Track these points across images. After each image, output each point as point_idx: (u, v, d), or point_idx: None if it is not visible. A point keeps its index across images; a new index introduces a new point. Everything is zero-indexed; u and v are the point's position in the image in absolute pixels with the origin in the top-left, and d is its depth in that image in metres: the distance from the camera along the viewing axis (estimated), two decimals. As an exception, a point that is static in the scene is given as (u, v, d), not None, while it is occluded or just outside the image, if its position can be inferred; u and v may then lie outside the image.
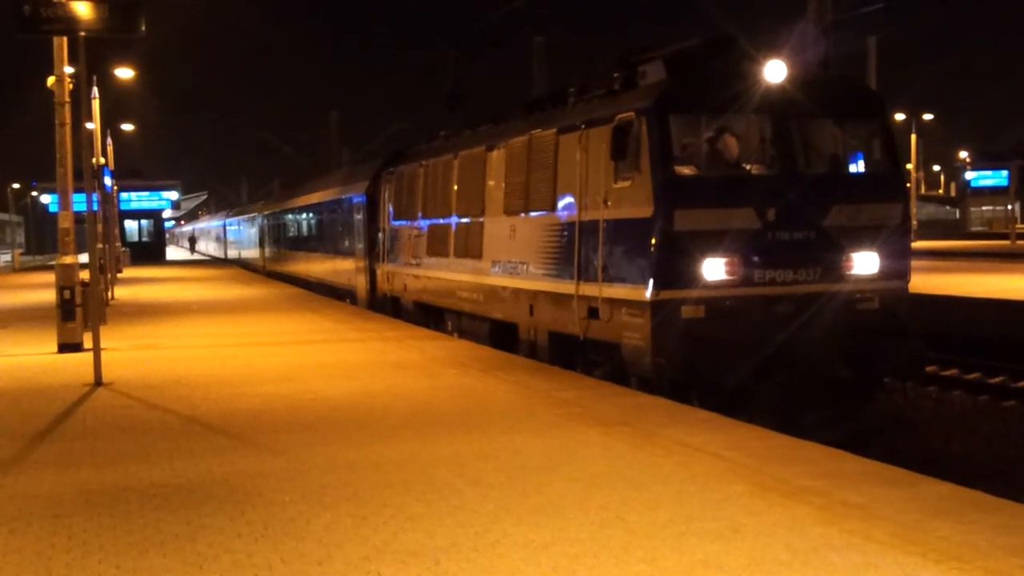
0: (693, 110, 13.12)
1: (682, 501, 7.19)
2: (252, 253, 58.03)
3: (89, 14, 13.70)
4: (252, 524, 6.86)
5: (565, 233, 14.45)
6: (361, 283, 27.74)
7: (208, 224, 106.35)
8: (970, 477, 10.20)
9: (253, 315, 23.38)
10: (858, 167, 13.98)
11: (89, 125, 19.91)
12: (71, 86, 17.32)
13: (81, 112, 15.08)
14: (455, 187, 19.51)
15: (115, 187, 41.16)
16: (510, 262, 16.48)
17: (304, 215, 39.84)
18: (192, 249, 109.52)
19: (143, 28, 14.01)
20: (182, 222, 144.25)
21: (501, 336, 17.06)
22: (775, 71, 12.86)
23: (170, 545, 6.45)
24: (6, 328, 21.25)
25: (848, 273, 12.76)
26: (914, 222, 49.72)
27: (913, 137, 69.34)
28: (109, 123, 40.60)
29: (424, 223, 21.46)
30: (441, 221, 20.28)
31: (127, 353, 16.47)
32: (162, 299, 29.75)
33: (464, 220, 18.87)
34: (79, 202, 19.09)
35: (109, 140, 40.35)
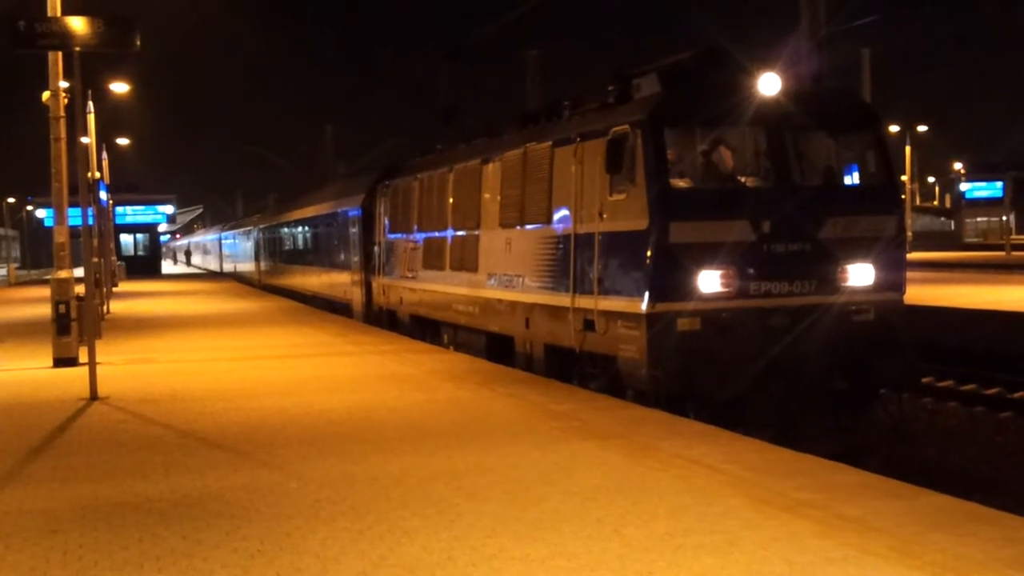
0: (688, 123, 13.16)
1: (679, 514, 7.18)
2: (248, 267, 58.01)
3: (84, 29, 13.72)
4: (248, 539, 6.84)
5: (561, 246, 14.45)
6: (357, 296, 27.74)
7: (204, 238, 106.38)
8: (967, 489, 10.22)
9: (249, 329, 23.36)
10: (853, 179, 14.01)
11: (84, 139, 19.91)
12: (66, 101, 17.32)
13: (76, 126, 15.11)
14: (451, 200, 19.52)
15: (110, 201, 41.21)
16: (506, 275, 16.49)
17: (300, 228, 39.84)
18: (188, 262, 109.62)
19: (138, 43, 14.03)
20: (178, 236, 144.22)
21: (497, 349, 17.05)
22: (769, 84, 12.88)
23: (166, 560, 6.44)
24: (1, 343, 21.22)
25: (844, 285, 12.76)
26: (909, 234, 49.81)
27: (908, 149, 69.49)
28: (104, 137, 40.67)
29: (420, 236, 21.47)
30: (437, 234, 20.28)
31: (123, 367, 16.45)
32: (158, 313, 29.72)
33: (460, 233, 18.88)
34: (74, 216, 19.12)
35: (104, 154, 40.39)
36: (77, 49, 13.85)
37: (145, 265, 68.79)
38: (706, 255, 12.21)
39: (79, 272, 20.64)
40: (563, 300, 14.23)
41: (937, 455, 13.77)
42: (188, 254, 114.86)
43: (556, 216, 14.66)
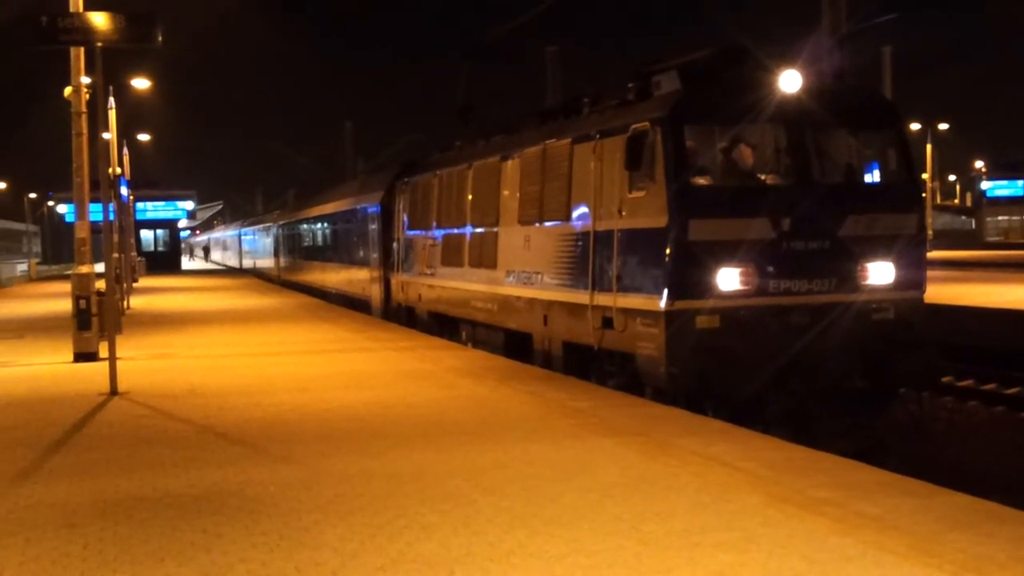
0: (707, 120, 13.12)
1: (697, 512, 7.17)
2: (267, 263, 58.20)
3: (106, 25, 13.79)
4: (267, 534, 6.87)
5: (579, 243, 14.44)
6: (375, 293, 27.79)
7: (223, 234, 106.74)
8: (987, 488, 10.15)
9: (268, 325, 23.44)
10: (873, 177, 13.95)
11: (105, 135, 19.98)
12: (88, 96, 17.40)
13: (98, 122, 15.16)
14: (469, 197, 19.53)
15: (131, 197, 41.37)
16: (524, 272, 16.48)
17: (319, 225, 39.93)
18: (206, 258, 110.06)
19: (160, 39, 14.08)
20: (197, 232, 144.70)
21: (515, 346, 17.05)
22: (790, 81, 12.84)
23: (186, 554, 6.46)
24: (23, 337, 21.35)
25: (863, 283, 12.72)
26: (929, 232, 49.59)
27: (928, 147, 69.25)
28: (125, 133, 40.86)
29: (438, 233, 21.49)
30: (455, 231, 20.30)
31: (142, 362, 16.52)
32: (177, 309, 29.84)
33: (478, 230, 18.89)
34: (95, 212, 19.16)
35: (125, 150, 40.56)
36: (99, 45, 13.92)
37: (165, 261, 69.07)
38: (725, 253, 12.19)
39: (100, 267, 20.73)
40: (582, 297, 14.23)
41: (957, 454, 13.70)
42: (206, 250, 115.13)
43: (575, 213, 14.65)
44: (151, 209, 69.68)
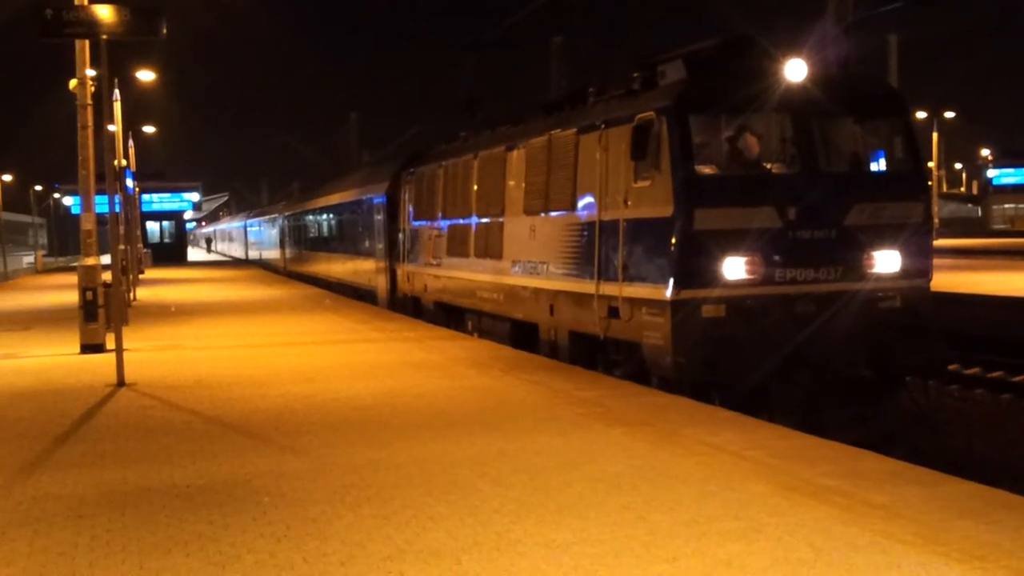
0: (713, 109, 13.10)
1: (704, 501, 7.18)
2: (273, 254, 58.25)
3: (110, 17, 13.78)
4: (274, 524, 6.88)
5: (585, 233, 14.44)
6: (381, 283, 27.81)
7: (229, 225, 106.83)
8: (993, 476, 10.15)
9: (274, 316, 23.45)
10: (879, 165, 13.93)
11: (111, 127, 19.98)
12: (93, 89, 17.40)
13: (103, 114, 15.16)
14: (475, 187, 19.52)
15: (137, 189, 41.40)
16: (530, 262, 16.48)
17: (324, 216, 39.95)
18: (210, 249, 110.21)
19: (164, 31, 14.08)
20: (203, 223, 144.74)
21: (521, 336, 17.06)
22: (795, 70, 12.81)
23: (193, 545, 6.48)
24: (29, 329, 21.38)
25: (869, 272, 12.70)
26: (936, 220, 49.48)
27: (935, 135, 69.02)
28: (131, 125, 40.81)
29: (444, 223, 21.49)
30: (461, 221, 20.29)
31: (149, 354, 16.54)
32: (184, 300, 29.86)
33: (484, 220, 18.89)
34: (101, 204, 19.19)
35: (131, 142, 40.56)
36: (103, 37, 13.91)
37: (171, 252, 69.13)
38: (731, 242, 12.17)
39: (106, 259, 20.75)
40: (588, 287, 14.22)
41: (963, 442, 13.69)
42: (209, 241, 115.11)
43: (580, 203, 14.63)
44: (157, 201, 69.72)
